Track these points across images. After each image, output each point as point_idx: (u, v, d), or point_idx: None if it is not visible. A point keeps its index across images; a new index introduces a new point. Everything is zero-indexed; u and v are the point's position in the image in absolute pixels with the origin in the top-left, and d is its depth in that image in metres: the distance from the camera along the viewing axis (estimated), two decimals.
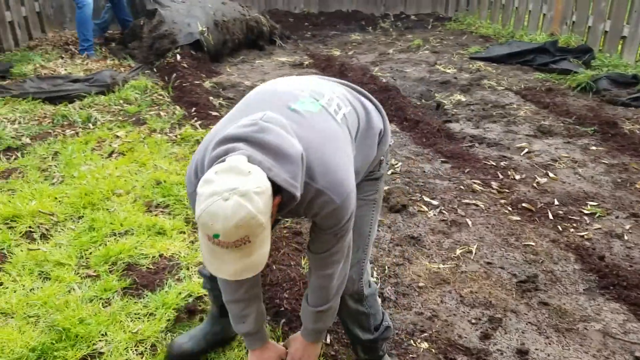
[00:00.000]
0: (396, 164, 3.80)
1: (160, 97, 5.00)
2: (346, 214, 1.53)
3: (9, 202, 3.07)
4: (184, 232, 2.90)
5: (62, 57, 6.22)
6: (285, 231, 2.87)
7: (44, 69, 5.74)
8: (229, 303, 1.77)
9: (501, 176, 3.62)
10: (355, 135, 1.67)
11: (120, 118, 4.50)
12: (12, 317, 2.25)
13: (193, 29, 6.18)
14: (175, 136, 4.14)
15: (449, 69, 6.10)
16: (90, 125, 4.35)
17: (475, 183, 3.51)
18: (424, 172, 3.70)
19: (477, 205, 3.26)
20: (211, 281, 1.97)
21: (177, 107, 4.73)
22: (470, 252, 2.82)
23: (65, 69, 5.77)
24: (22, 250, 2.68)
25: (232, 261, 1.32)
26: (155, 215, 3.03)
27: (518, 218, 3.13)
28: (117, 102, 4.83)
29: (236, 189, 1.25)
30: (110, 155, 3.81)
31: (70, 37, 7.14)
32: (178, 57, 5.70)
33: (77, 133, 4.20)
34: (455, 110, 4.89)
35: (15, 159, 3.76)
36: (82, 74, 5.52)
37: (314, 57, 6.64)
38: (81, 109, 4.66)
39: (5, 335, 2.13)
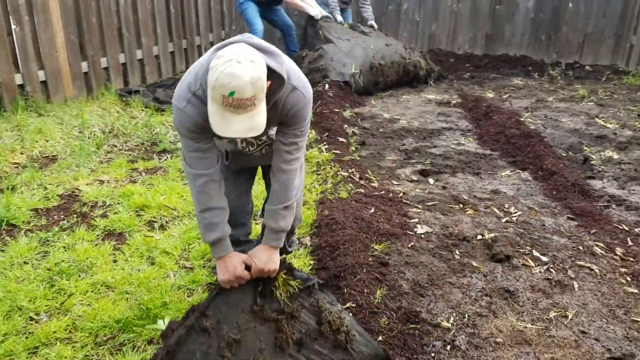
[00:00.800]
0: (515, 212, 3.60)
1: None
2: (309, 112, 1.96)
3: (144, 194, 3.52)
4: None
5: None
6: (371, 259, 2.89)
7: None
8: (202, 212, 1.98)
9: (631, 243, 3.23)
10: None
11: None
12: (112, 291, 2.59)
13: (347, 69, 6.33)
14: None
15: (610, 123, 5.58)
16: None
17: (597, 245, 3.18)
18: (543, 225, 3.45)
19: (591, 269, 2.95)
20: None
21: (312, 131, 4.99)
22: (566, 316, 2.57)
23: None
24: (140, 236, 3.06)
25: (240, 122, 1.66)
26: (257, 224, 3.25)
27: (635, 291, 2.77)
28: None
29: (246, 56, 1.64)
30: None
31: None
32: (326, 86, 6.01)
33: None
34: (602, 167, 4.46)
35: (165, 159, 4.30)
36: None
37: (464, 97, 6.52)
38: None
39: (101, 305, 2.46)
